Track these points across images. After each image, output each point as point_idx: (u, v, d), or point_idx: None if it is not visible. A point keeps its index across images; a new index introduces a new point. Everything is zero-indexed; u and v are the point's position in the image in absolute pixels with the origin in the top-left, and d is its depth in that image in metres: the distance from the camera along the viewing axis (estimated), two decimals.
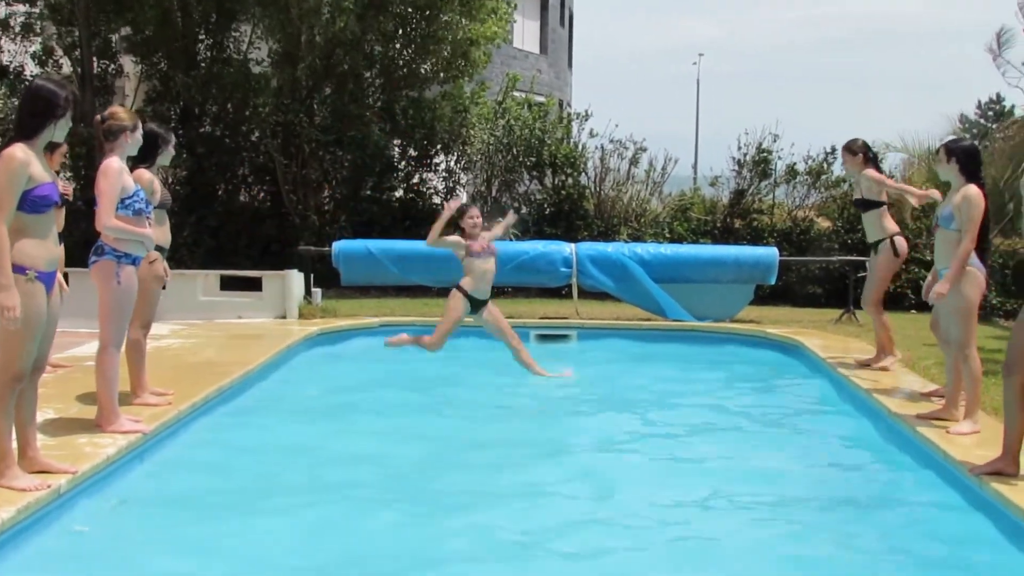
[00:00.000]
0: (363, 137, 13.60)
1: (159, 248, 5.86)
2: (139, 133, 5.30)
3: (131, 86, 15.10)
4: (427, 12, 13.54)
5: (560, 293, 11.73)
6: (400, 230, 13.31)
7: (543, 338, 9.60)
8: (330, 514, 4.56)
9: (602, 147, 13.98)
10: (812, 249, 13.35)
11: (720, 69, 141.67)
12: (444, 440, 6.01)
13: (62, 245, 5.50)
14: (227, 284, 10.60)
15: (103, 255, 5.12)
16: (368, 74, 14.24)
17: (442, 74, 14.17)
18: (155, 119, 11.13)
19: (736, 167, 14.00)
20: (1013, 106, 30.48)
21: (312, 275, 10.96)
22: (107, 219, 5.03)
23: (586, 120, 14.30)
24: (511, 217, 7.97)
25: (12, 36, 14.44)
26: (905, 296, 12.23)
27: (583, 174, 14.08)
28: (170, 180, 13.47)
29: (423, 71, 14.14)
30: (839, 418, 6.75)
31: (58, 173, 5.66)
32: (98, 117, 5.27)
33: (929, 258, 11.10)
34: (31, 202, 4.09)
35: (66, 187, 6.18)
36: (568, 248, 10.74)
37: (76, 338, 7.78)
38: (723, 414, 6.83)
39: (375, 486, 5.00)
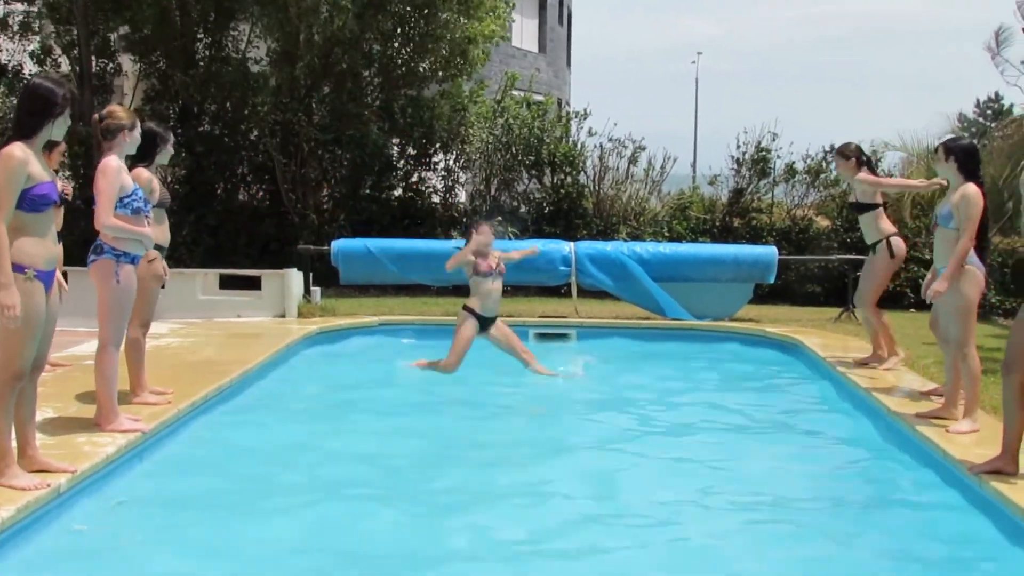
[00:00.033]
0: (362, 136, 13.59)
1: (158, 247, 5.85)
2: (137, 132, 5.29)
3: (130, 85, 15.11)
4: (425, 11, 13.53)
5: (559, 292, 11.73)
6: (399, 229, 13.32)
7: (542, 337, 9.60)
8: (330, 513, 4.55)
9: (601, 146, 14.02)
10: (811, 248, 13.36)
11: (719, 68, 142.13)
12: (444, 440, 6.01)
13: (61, 244, 5.48)
14: (226, 283, 10.59)
15: (102, 254, 5.11)
16: (367, 73, 14.23)
17: (441, 73, 14.16)
18: (154, 118, 11.11)
19: (735, 166, 14.01)
20: (1012, 104, 30.49)
21: (311, 274, 10.95)
22: (106, 218, 5.03)
23: (585, 119, 14.33)
24: (531, 250, 8.33)
25: (10, 35, 14.44)
26: (904, 295, 12.24)
27: (582, 173, 14.09)
28: (169, 179, 13.48)
29: (422, 70, 14.13)
30: (838, 417, 6.74)
31: (57, 172, 5.65)
32: (96, 116, 5.26)
33: (928, 257, 11.12)
34: (30, 201, 4.09)
35: (65, 186, 6.16)
36: (567, 247, 10.74)
37: (75, 337, 7.77)
38: (722, 413, 6.81)
39: (374, 485, 5.00)
